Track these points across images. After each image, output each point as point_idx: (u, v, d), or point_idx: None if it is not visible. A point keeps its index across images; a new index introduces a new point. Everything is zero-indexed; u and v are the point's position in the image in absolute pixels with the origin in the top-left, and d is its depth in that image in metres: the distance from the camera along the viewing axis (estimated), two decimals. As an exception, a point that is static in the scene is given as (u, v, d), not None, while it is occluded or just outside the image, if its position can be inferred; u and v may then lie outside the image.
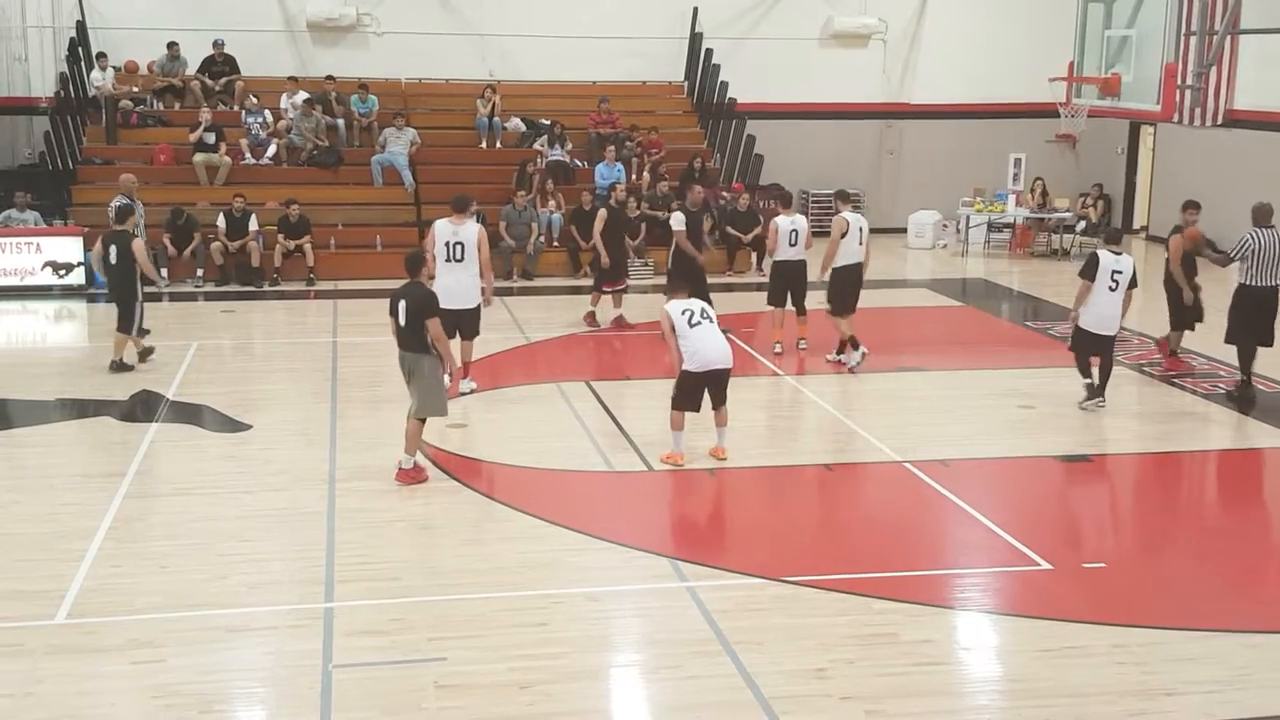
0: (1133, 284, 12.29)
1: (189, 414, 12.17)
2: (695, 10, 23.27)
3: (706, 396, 10.41)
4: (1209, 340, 15.25)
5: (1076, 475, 10.84)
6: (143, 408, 12.36)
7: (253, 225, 18.75)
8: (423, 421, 10.14)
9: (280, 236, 18.86)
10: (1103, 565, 8.76)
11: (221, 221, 18.71)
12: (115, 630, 7.57)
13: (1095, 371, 12.42)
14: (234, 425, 11.82)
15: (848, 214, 14.14)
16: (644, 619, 7.77)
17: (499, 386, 13.20)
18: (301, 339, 15.68)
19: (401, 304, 9.91)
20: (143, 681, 6.99)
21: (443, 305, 10.41)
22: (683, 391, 10.41)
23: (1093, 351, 12.41)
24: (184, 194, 19.32)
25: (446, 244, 12.28)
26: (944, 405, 12.65)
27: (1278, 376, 13.66)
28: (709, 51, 23.12)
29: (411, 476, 10.10)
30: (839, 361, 13.92)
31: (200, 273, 18.69)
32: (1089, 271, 12.26)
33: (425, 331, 9.84)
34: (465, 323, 12.40)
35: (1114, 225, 22.43)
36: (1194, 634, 7.67)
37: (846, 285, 14.03)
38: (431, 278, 10.89)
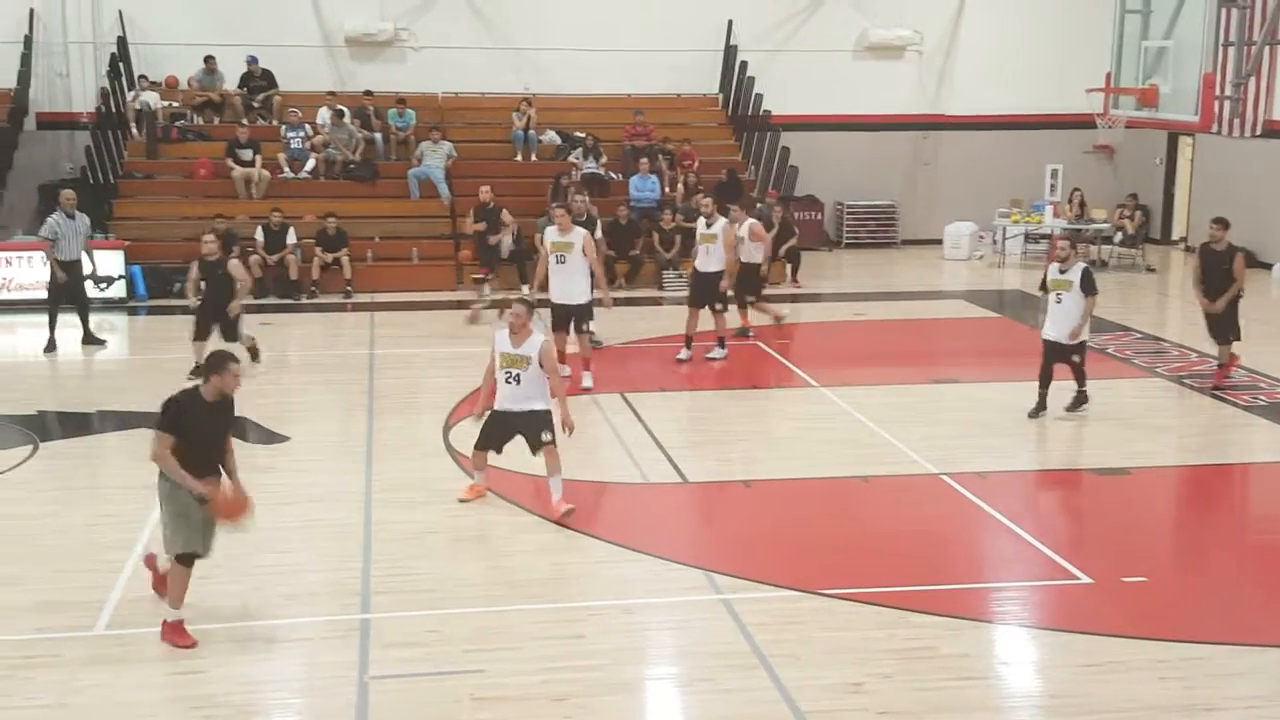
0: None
1: (227, 426, 12.23)
2: (730, 23, 23.28)
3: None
4: (1254, 353, 15.10)
5: (1115, 488, 10.73)
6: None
7: (290, 238, 18.89)
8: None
9: (318, 249, 18.99)
10: (1143, 580, 8.66)
11: (260, 235, 18.87)
12: (154, 642, 7.61)
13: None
14: (272, 437, 11.89)
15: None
16: (679, 631, 7.75)
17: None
18: (338, 351, 15.77)
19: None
20: (180, 692, 7.03)
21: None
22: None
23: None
24: (222, 207, 19.49)
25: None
26: (980, 417, 12.55)
27: (1321, 389, 13.50)
28: (744, 64, 23.13)
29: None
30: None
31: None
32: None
33: None
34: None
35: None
36: (1236, 649, 7.57)
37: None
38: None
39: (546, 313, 13.50)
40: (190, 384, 7.99)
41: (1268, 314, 18.20)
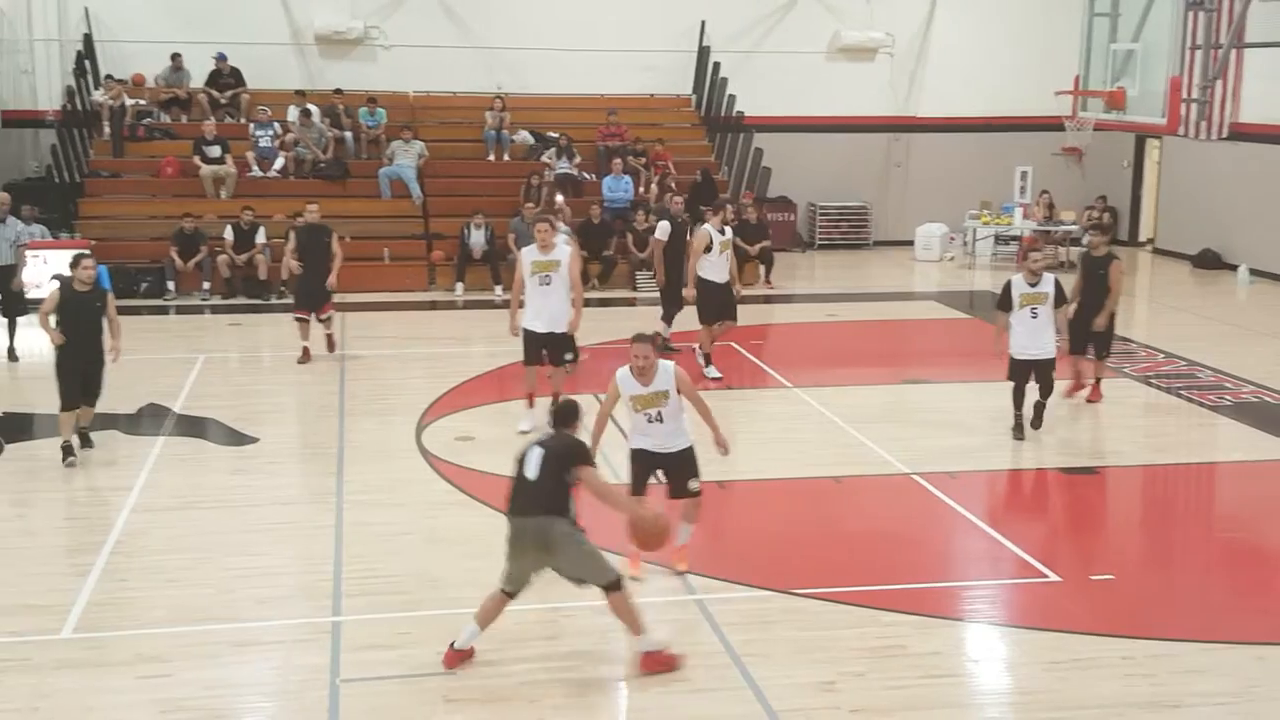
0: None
1: (196, 427, 12.18)
2: (703, 24, 23.31)
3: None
4: (1220, 353, 15.27)
5: (1083, 487, 10.82)
6: (150, 421, 12.37)
7: (260, 238, 18.79)
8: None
9: (287, 244, 18.86)
10: (1111, 577, 8.74)
11: (229, 234, 18.75)
12: (122, 645, 7.57)
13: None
14: (241, 439, 11.83)
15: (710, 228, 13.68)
16: (653, 632, 7.74)
17: (508, 399, 13.20)
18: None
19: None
20: (149, 696, 6.98)
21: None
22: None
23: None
24: (191, 206, 19.37)
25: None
26: (952, 417, 12.63)
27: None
28: (717, 65, 23.16)
29: (661, 662, 7.31)
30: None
31: (207, 285, 18.73)
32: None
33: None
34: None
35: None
36: (1202, 646, 7.64)
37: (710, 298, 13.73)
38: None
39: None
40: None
41: (1232, 315, 18.40)
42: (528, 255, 11.57)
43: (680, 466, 8.50)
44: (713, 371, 13.82)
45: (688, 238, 14.52)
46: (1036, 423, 11.81)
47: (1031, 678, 7.36)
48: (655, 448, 8.44)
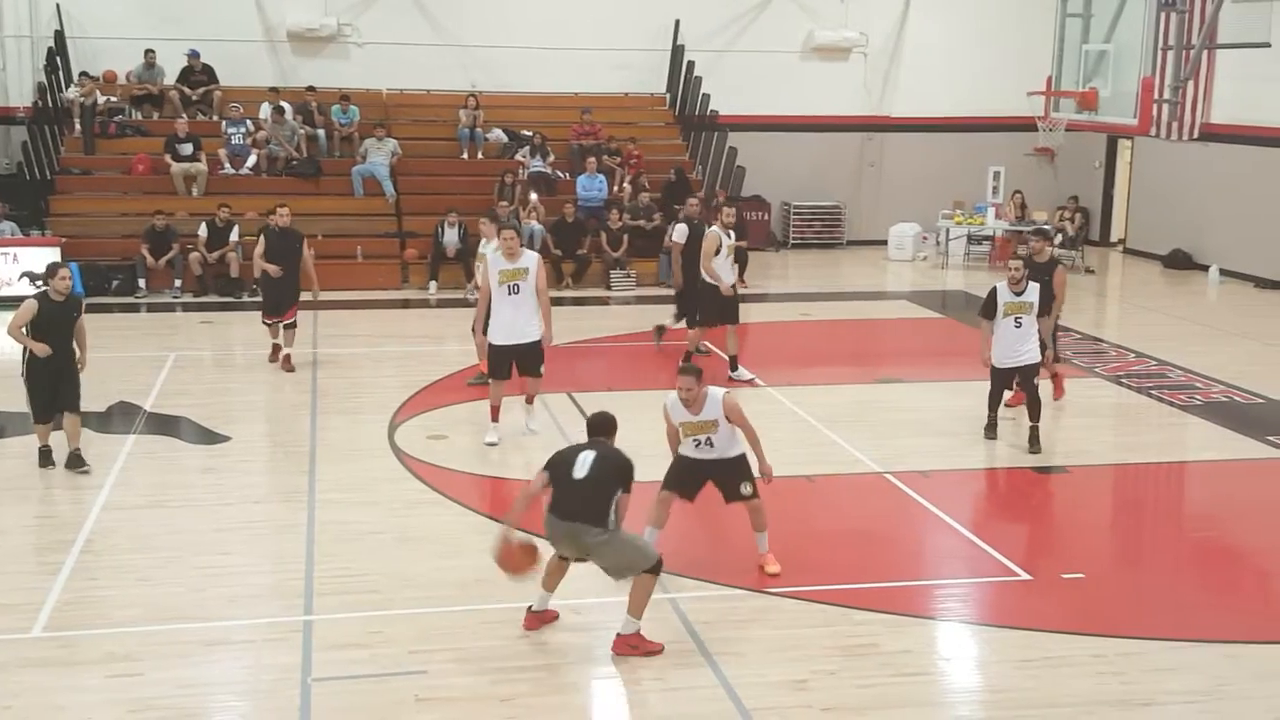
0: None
1: (167, 425, 12.11)
2: (677, 23, 23.32)
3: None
4: (1190, 353, 15.39)
5: (1055, 486, 10.88)
6: (120, 419, 12.29)
7: (234, 236, 18.70)
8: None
9: (257, 245, 18.75)
10: (1081, 576, 8.79)
11: (203, 231, 18.65)
12: (92, 644, 7.52)
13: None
14: (212, 437, 11.76)
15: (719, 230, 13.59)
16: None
17: (483, 399, 13.17)
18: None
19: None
20: (120, 695, 6.93)
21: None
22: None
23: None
24: (162, 204, 19.25)
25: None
26: (924, 416, 12.67)
27: (1254, 388, 13.75)
28: (691, 64, 23.17)
29: (633, 647, 7.45)
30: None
31: (178, 283, 18.62)
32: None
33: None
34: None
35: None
36: (1172, 644, 7.70)
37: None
38: None
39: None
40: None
41: (1203, 315, 18.54)
42: (494, 264, 11.18)
43: (731, 472, 8.53)
44: (744, 373, 13.75)
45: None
46: (1034, 448, 11.40)
47: (1002, 676, 7.39)
48: (700, 458, 8.51)
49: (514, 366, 11.44)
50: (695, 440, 8.45)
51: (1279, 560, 9.35)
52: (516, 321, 11.15)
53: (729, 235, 13.64)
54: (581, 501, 7.29)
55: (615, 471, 7.42)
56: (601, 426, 7.73)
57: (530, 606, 7.67)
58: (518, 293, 11.08)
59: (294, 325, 14.33)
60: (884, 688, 7.13)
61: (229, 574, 8.57)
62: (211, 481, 10.55)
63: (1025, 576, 8.74)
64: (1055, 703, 6.98)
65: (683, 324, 14.85)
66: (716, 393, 8.38)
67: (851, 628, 7.84)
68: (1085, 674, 7.32)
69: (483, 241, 13.39)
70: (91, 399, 12.54)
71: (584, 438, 7.92)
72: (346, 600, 8.17)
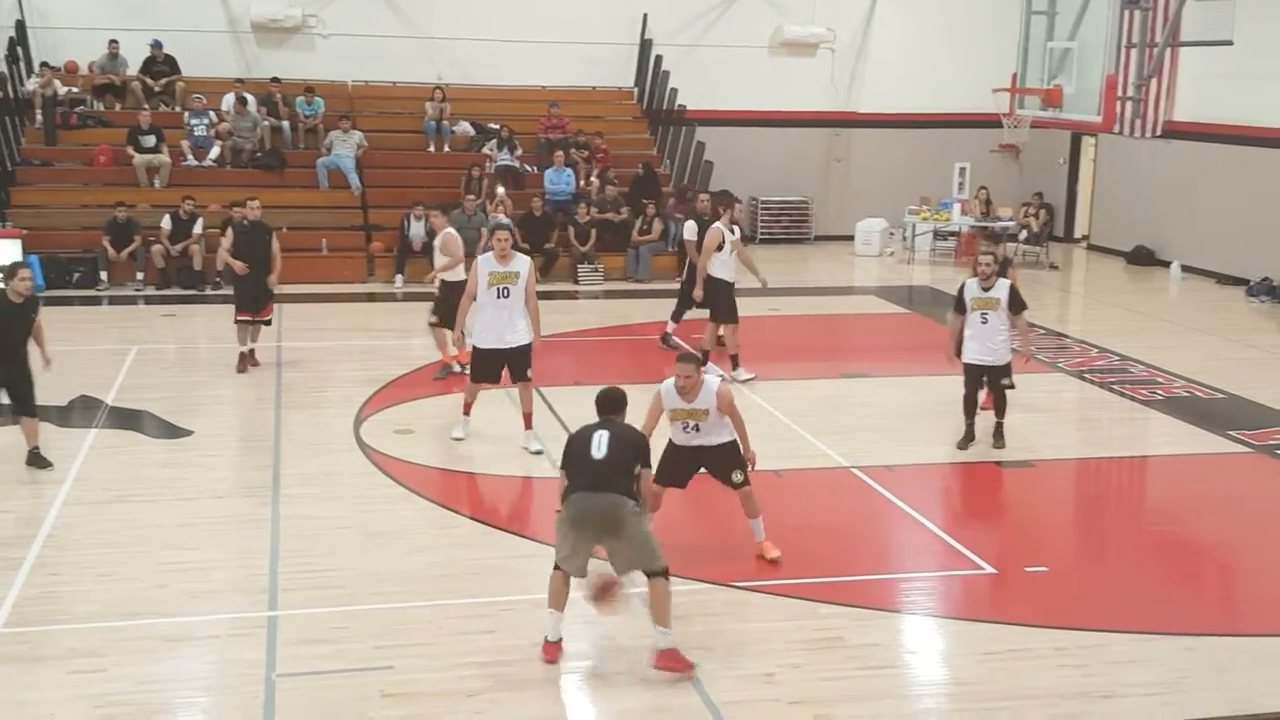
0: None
1: (129, 419, 12.00)
2: (645, 17, 23.29)
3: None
4: (1152, 348, 15.53)
5: (1019, 481, 10.96)
6: (82, 413, 12.17)
7: (197, 229, 18.55)
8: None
9: (223, 239, 18.61)
10: (1045, 569, 8.86)
11: (167, 223, 18.49)
12: (54, 639, 7.45)
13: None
14: (175, 431, 11.67)
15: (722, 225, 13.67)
16: (593, 625, 7.74)
17: (448, 393, 13.14)
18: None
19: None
20: (82, 691, 6.87)
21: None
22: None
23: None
24: (124, 195, 19.06)
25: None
26: (890, 411, 12.74)
27: (1214, 383, 13.90)
28: (659, 58, 23.16)
29: (676, 661, 7.24)
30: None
31: (140, 276, 18.46)
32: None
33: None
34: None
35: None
36: (1133, 637, 7.77)
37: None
38: None
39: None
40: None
41: (1165, 311, 18.72)
42: (484, 266, 10.84)
43: (722, 460, 8.62)
44: (743, 374, 13.63)
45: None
46: (998, 443, 11.43)
47: (967, 668, 7.45)
48: (688, 444, 8.58)
49: (501, 370, 11.15)
50: (683, 424, 8.52)
51: (1238, 554, 9.45)
52: (503, 325, 10.86)
53: (732, 231, 13.64)
54: (608, 478, 7.23)
55: (632, 448, 7.42)
56: (611, 404, 7.66)
57: (546, 638, 7.34)
58: (507, 296, 10.80)
59: (270, 323, 14.14)
60: (850, 681, 7.16)
61: (192, 569, 8.51)
62: (175, 476, 10.46)
63: (989, 570, 8.80)
64: (1018, 695, 7.04)
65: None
66: (712, 383, 8.48)
67: (818, 621, 7.87)
68: (1048, 666, 7.38)
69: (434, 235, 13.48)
70: (52, 393, 12.43)
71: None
72: (311, 595, 8.12)
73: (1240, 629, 8.04)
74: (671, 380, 8.45)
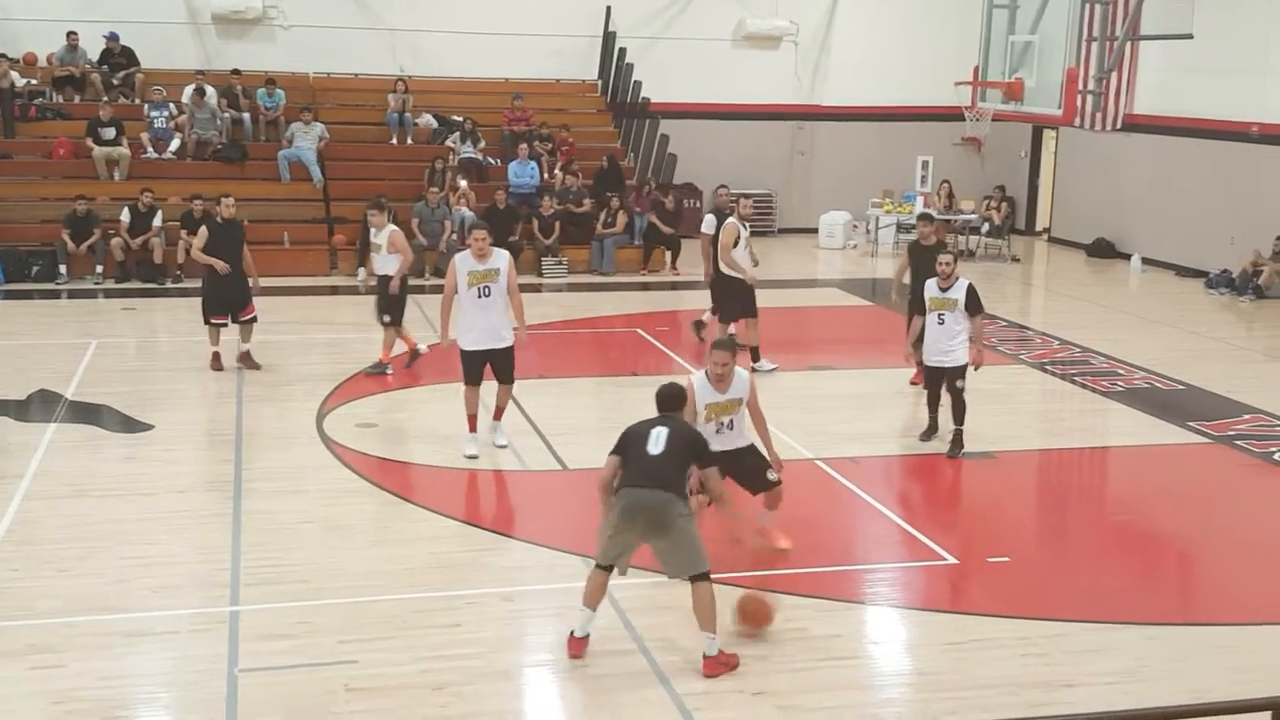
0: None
1: (88, 414, 11.88)
2: (609, 9, 23.25)
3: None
4: (1112, 340, 15.66)
5: (980, 472, 11.02)
6: (40, 407, 12.03)
7: (157, 221, 18.37)
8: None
9: (183, 233, 18.46)
10: (1006, 560, 8.93)
11: (126, 216, 18.30)
12: (13, 635, 7.37)
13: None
14: (135, 425, 11.56)
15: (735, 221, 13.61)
16: (558, 618, 7.73)
17: (411, 386, 13.08)
18: (205, 337, 15.36)
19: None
20: (42, 687, 6.81)
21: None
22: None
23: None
24: (83, 188, 18.85)
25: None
26: (854, 403, 12.79)
27: (1174, 375, 14.04)
28: (622, 51, 23.13)
29: (725, 664, 7.20)
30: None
31: (100, 269, 18.27)
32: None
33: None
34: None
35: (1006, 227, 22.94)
36: (1094, 626, 7.84)
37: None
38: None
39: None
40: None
41: (1125, 303, 18.89)
42: (462, 264, 10.53)
43: (749, 463, 8.56)
44: (765, 365, 13.62)
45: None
46: (955, 450, 11.15)
47: (930, 659, 7.49)
48: (721, 448, 8.24)
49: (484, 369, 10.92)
50: (718, 424, 8.35)
51: (1197, 544, 9.56)
52: (489, 325, 10.61)
53: (745, 226, 13.64)
54: (664, 476, 7.14)
55: (689, 446, 7.37)
56: (671, 401, 7.58)
57: (573, 632, 7.27)
58: (488, 295, 10.51)
59: (255, 319, 13.73)
60: (814, 672, 7.19)
61: (153, 564, 8.44)
62: (135, 471, 10.37)
63: (952, 560, 8.86)
64: (981, 684, 7.09)
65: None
66: (743, 372, 8.41)
67: (781, 613, 7.87)
68: (1010, 656, 7.44)
69: (372, 231, 13.37)
70: (11, 387, 12.31)
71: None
72: (274, 590, 8.07)
73: (1200, 618, 8.13)
74: (703, 372, 8.33)
